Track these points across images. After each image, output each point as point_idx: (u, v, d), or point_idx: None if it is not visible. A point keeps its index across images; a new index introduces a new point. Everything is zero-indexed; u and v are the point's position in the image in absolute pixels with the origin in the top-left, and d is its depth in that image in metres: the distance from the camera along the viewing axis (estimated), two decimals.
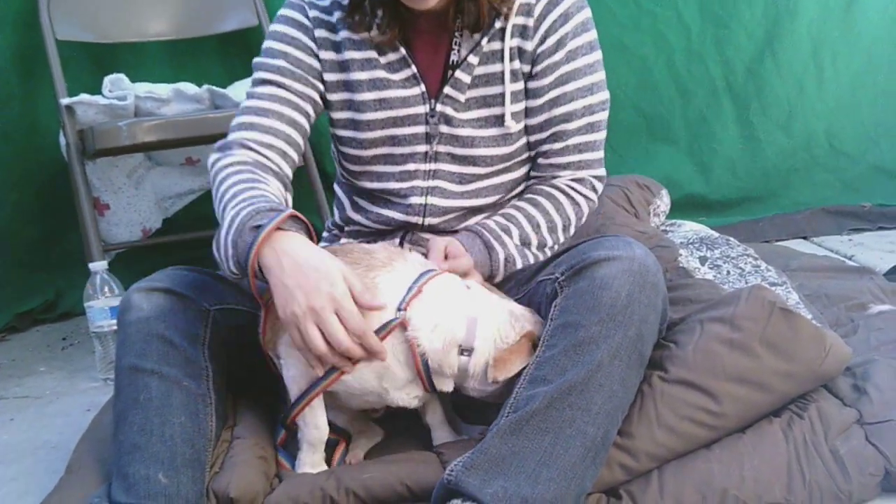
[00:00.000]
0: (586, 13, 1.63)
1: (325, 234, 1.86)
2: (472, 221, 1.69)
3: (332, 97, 1.66)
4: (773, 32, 3.27)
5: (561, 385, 1.29)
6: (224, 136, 1.60)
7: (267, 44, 1.65)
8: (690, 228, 2.42)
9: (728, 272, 2.00)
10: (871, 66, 3.34)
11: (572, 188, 1.66)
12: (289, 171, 1.62)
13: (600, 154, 1.67)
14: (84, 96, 2.55)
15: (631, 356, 1.33)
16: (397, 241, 1.69)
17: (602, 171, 1.69)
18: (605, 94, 1.65)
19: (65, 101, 2.56)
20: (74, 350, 2.63)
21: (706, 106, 3.28)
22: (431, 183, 1.65)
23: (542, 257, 1.61)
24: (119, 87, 2.63)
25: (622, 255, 1.36)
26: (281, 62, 1.62)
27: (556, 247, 1.65)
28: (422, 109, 1.62)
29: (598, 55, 1.64)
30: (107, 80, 2.64)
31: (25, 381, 2.40)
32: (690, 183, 3.25)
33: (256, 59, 1.66)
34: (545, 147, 1.65)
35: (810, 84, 3.31)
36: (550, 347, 1.35)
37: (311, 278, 1.31)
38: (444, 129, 1.62)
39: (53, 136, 2.75)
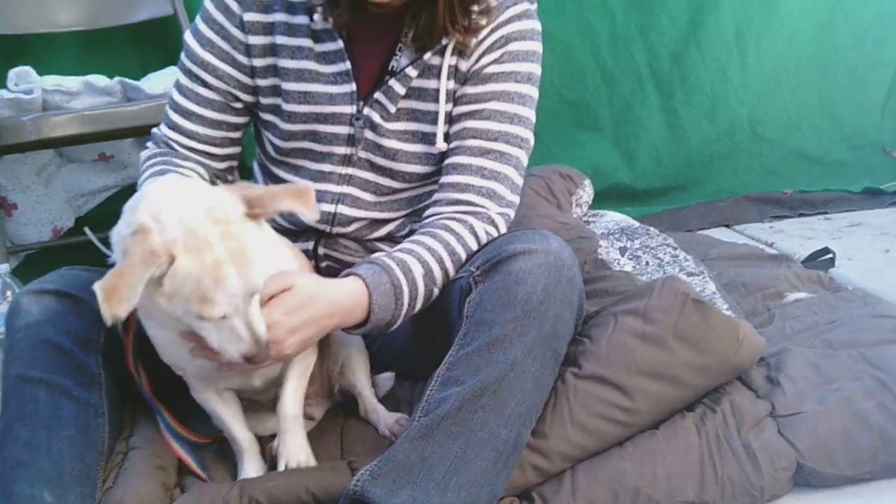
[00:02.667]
0: (532, 45, 1.53)
1: None
2: (381, 231, 1.64)
3: (261, 82, 1.57)
4: (697, 19, 3.25)
5: (473, 386, 1.26)
6: (137, 130, 1.67)
7: (197, 21, 1.58)
8: (612, 219, 2.41)
9: (647, 263, 2.00)
10: (792, 51, 3.36)
11: (468, 219, 1.48)
12: (218, 165, 1.62)
13: (506, 193, 1.51)
14: None
15: (546, 354, 1.31)
16: (311, 245, 1.64)
17: (507, 211, 1.51)
18: (527, 133, 1.53)
19: None
20: None
21: (631, 93, 3.25)
22: (345, 189, 1.59)
23: (439, 290, 1.46)
24: (25, 81, 2.53)
25: (538, 249, 1.33)
26: (207, 55, 1.55)
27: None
28: (348, 109, 1.53)
29: (531, 90, 1.53)
30: (12, 73, 2.52)
31: None
32: (616, 171, 3.23)
33: (187, 37, 1.58)
34: (450, 160, 1.52)
35: (734, 70, 3.31)
36: (464, 346, 1.31)
37: None
38: (368, 134, 1.55)
39: None
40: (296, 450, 1.41)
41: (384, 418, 1.54)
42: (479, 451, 1.24)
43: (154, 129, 1.64)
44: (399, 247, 1.45)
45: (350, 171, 1.58)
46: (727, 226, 3.00)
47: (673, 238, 2.17)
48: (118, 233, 1.16)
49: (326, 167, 1.58)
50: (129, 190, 2.85)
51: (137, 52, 2.92)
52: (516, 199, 1.54)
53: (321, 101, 1.53)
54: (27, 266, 2.68)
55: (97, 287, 1.08)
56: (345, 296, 1.34)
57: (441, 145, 1.53)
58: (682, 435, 1.39)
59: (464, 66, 1.52)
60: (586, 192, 2.53)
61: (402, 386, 1.67)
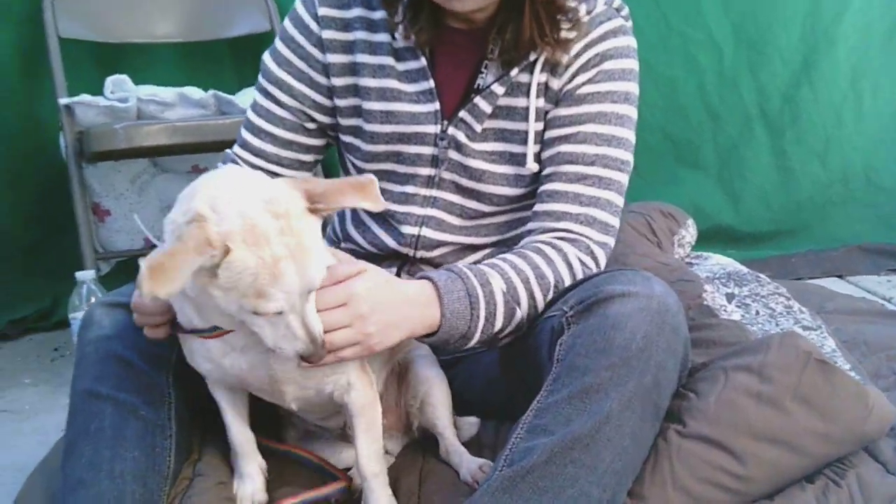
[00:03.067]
0: (628, 63, 1.45)
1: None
2: (468, 259, 1.56)
3: (341, 102, 1.52)
4: (811, 59, 3.16)
5: (564, 437, 1.15)
6: (228, 144, 1.61)
7: (276, 41, 1.55)
8: (717, 262, 2.27)
9: (757, 312, 1.85)
10: None
11: (563, 245, 1.40)
12: None
13: (608, 218, 1.43)
14: (84, 97, 2.49)
15: (645, 407, 1.20)
16: (395, 270, 1.57)
17: (607, 240, 1.43)
18: (626, 155, 1.44)
19: (64, 100, 2.49)
20: (64, 362, 2.53)
21: (738, 132, 3.18)
22: (429, 211, 1.53)
23: (524, 315, 1.37)
24: (121, 89, 2.59)
25: (639, 292, 1.23)
26: (283, 74, 1.52)
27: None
28: (432, 129, 1.48)
29: (629, 110, 1.45)
30: (108, 80, 2.59)
31: (7, 393, 2.31)
32: (719, 212, 3.16)
33: (265, 56, 1.56)
34: (544, 187, 1.45)
35: (849, 114, 3.21)
36: (553, 392, 1.21)
37: None
38: (453, 154, 1.48)
39: (55, 137, 2.65)
40: None
41: (467, 463, 1.43)
42: None
43: (227, 149, 1.62)
44: (483, 262, 1.38)
45: (434, 192, 1.52)
46: (840, 276, 2.85)
47: (784, 287, 2.00)
48: (172, 220, 1.10)
49: (410, 189, 1.53)
50: None
51: (233, 67, 2.97)
52: (617, 223, 1.45)
53: (404, 120, 1.48)
54: (117, 273, 2.71)
55: (143, 262, 1.01)
56: (416, 293, 1.28)
57: (532, 166, 1.46)
58: None
59: (555, 84, 1.44)
60: (689, 233, 2.39)
61: (486, 427, 1.57)
